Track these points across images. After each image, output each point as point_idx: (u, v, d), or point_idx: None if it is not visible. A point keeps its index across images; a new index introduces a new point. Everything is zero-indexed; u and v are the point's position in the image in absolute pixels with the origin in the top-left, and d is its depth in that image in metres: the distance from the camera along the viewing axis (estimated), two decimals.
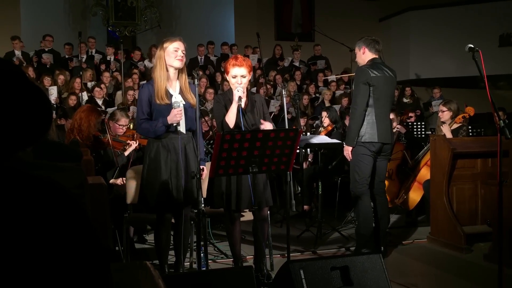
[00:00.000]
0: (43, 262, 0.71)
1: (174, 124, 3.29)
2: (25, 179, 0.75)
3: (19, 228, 0.71)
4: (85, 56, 9.42)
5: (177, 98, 3.34)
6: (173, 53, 3.30)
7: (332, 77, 9.63)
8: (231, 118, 3.39)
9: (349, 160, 4.13)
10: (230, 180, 3.39)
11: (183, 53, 3.33)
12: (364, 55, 4.14)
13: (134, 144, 4.50)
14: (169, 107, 3.28)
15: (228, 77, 3.50)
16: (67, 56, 9.62)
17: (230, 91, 3.53)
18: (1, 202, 0.72)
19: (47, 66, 9.00)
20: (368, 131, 3.99)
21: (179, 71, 3.39)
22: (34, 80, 7.59)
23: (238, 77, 3.42)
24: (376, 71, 4.01)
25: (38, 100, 0.90)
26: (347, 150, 4.09)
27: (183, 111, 3.30)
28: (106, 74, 8.63)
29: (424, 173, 5.21)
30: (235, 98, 3.36)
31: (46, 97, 0.95)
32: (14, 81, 0.88)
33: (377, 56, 4.14)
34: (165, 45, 3.33)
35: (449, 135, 4.98)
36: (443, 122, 5.18)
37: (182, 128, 3.34)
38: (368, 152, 4.02)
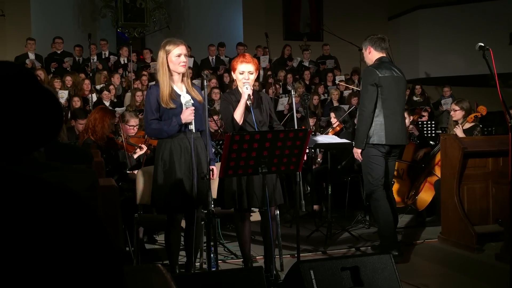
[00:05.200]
0: (56, 268, 0.71)
1: (189, 123, 3.31)
2: (37, 184, 0.76)
3: (31, 234, 0.72)
4: (95, 58, 9.48)
5: (186, 98, 3.36)
6: (176, 60, 3.32)
7: (340, 77, 9.62)
8: (239, 115, 3.40)
9: (360, 161, 4.12)
10: (240, 179, 3.40)
11: (186, 58, 3.35)
12: (371, 55, 4.11)
13: (144, 148, 4.53)
14: (175, 110, 3.30)
15: (235, 74, 3.51)
16: (77, 58, 9.68)
17: (237, 90, 3.54)
18: (12, 207, 0.73)
19: (68, 69, 9.05)
20: (377, 132, 3.95)
21: (183, 73, 3.42)
22: (45, 83, 7.65)
23: (246, 73, 3.43)
24: (384, 71, 3.97)
25: (48, 103, 0.91)
26: (357, 152, 4.08)
27: (193, 110, 3.32)
28: (117, 75, 8.67)
29: (435, 173, 5.19)
30: (244, 95, 3.37)
31: (57, 99, 0.96)
32: (24, 84, 0.89)
33: (384, 55, 4.10)
34: (167, 48, 3.33)
35: (462, 136, 4.93)
36: (455, 121, 5.14)
37: (193, 128, 3.36)
38: (379, 153, 3.99)
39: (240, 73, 3.45)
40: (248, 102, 3.35)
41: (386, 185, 4.19)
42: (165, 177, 3.33)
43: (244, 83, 3.41)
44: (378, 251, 4.12)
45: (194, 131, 3.37)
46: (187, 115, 3.28)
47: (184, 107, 3.31)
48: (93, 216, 0.77)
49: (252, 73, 3.45)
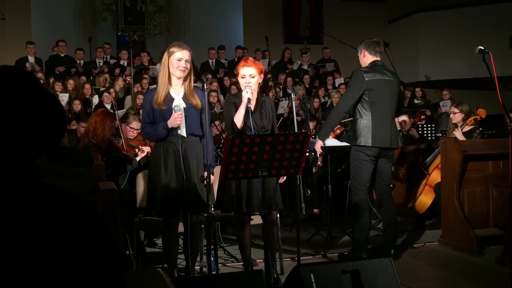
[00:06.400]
0: (61, 272, 0.72)
1: (175, 128, 3.31)
2: (44, 191, 0.77)
3: (37, 239, 0.72)
4: (101, 61, 9.49)
5: (177, 102, 3.36)
6: (176, 63, 3.33)
7: (340, 80, 9.66)
8: (239, 119, 3.41)
9: (320, 154, 4.15)
10: (240, 183, 3.40)
11: (187, 63, 3.36)
12: (365, 58, 4.16)
13: (146, 150, 4.53)
14: (170, 111, 3.31)
15: (238, 78, 3.53)
16: (79, 61, 9.69)
17: (240, 93, 3.55)
18: (19, 213, 0.73)
19: (72, 73, 9.05)
20: (364, 134, 3.98)
21: (183, 78, 3.42)
22: (47, 87, 7.66)
23: (247, 76, 3.44)
24: (374, 74, 4.01)
25: (52, 108, 0.91)
26: (318, 143, 4.17)
27: (183, 114, 3.31)
28: (121, 78, 8.68)
29: (435, 176, 5.18)
30: (244, 100, 3.37)
31: (60, 104, 0.96)
32: (28, 90, 0.89)
33: (378, 59, 4.14)
34: (171, 50, 3.35)
35: (461, 139, 4.93)
36: (455, 124, 5.14)
37: (183, 132, 3.35)
38: (366, 157, 4.01)
39: (242, 77, 3.47)
40: (248, 106, 3.36)
41: (384, 190, 4.19)
42: (154, 180, 3.38)
43: (245, 86, 3.42)
44: (350, 256, 4.15)
45: (184, 135, 3.36)
46: (173, 120, 3.28)
47: (173, 111, 3.31)
48: (99, 222, 0.78)
49: (253, 77, 3.45)
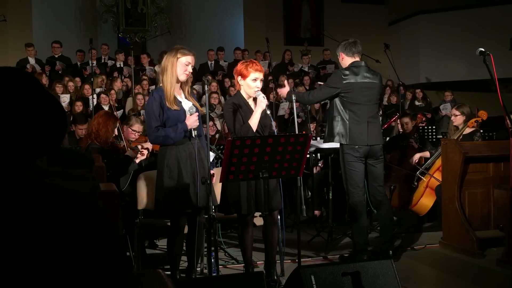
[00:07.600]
0: (65, 270, 0.72)
1: (193, 129, 3.33)
2: (49, 191, 0.77)
3: (42, 239, 0.73)
4: (94, 62, 9.50)
5: (188, 104, 3.38)
6: (183, 66, 3.34)
7: None
8: (255, 123, 3.43)
9: (284, 92, 4.18)
10: (243, 184, 3.40)
11: (191, 68, 3.40)
12: (344, 61, 4.18)
13: (145, 153, 4.52)
14: (180, 113, 3.31)
15: (245, 81, 3.50)
16: (79, 63, 9.70)
17: (238, 95, 3.56)
18: (23, 213, 0.73)
19: (59, 72, 9.07)
20: (340, 133, 4.02)
21: (183, 82, 3.45)
22: (47, 88, 7.67)
23: (258, 80, 3.47)
24: (352, 77, 4.02)
25: (53, 109, 0.91)
26: (285, 89, 4.16)
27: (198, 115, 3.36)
28: (119, 80, 8.69)
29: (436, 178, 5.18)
30: (262, 104, 3.39)
31: (61, 105, 0.96)
32: (30, 91, 0.90)
33: (357, 59, 4.14)
34: (179, 54, 3.34)
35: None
36: (456, 127, 5.14)
37: (195, 133, 3.37)
38: (354, 158, 4.01)
39: (253, 80, 3.47)
40: (268, 111, 3.38)
41: (378, 192, 4.18)
42: (172, 184, 3.32)
43: (256, 91, 3.44)
44: (350, 257, 4.14)
45: (197, 136, 3.38)
46: (193, 121, 3.30)
47: (188, 113, 3.32)
48: (104, 222, 0.78)
49: (262, 80, 3.51)
